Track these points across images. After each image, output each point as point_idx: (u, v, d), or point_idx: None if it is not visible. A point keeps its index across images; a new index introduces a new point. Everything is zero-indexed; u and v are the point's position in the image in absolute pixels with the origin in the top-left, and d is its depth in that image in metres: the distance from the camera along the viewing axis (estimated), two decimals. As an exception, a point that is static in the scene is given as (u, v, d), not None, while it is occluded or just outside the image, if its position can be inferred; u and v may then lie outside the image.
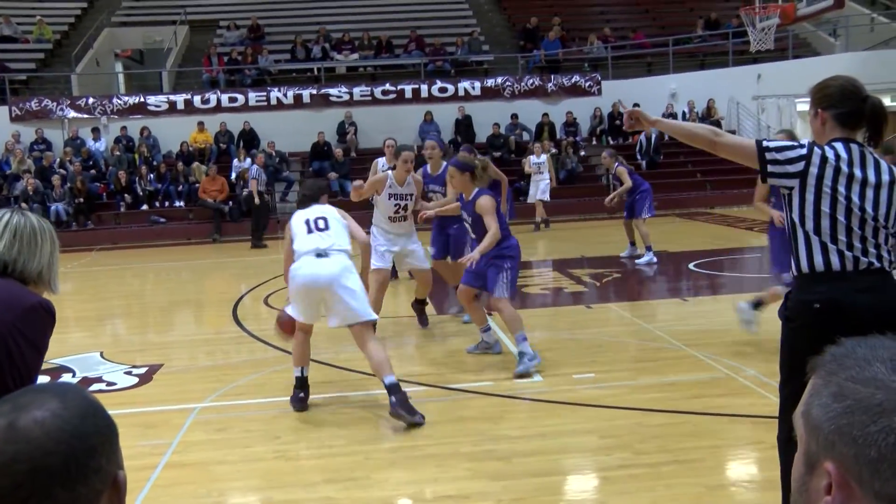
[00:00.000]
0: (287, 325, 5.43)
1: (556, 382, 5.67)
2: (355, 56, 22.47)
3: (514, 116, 20.39)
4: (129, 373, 6.57)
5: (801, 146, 2.96)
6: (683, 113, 20.99)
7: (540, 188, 16.60)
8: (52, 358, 7.17)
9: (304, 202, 5.67)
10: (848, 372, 0.89)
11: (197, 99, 20.47)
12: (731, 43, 21.25)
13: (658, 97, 21.01)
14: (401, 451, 4.55)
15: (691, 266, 10.57)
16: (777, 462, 3.13)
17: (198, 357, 6.78)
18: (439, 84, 21.03)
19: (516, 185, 17.44)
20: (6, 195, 17.90)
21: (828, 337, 2.24)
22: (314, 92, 20.68)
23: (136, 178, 18.59)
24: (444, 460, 4.36)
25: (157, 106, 20.41)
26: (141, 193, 18.45)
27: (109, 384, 6.25)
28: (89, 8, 25.27)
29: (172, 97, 20.67)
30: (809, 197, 2.91)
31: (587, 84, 21.29)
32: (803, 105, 22.49)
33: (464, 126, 20.45)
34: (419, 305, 7.89)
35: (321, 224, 5.39)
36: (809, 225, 2.92)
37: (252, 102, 20.49)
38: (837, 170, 2.90)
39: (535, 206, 16.38)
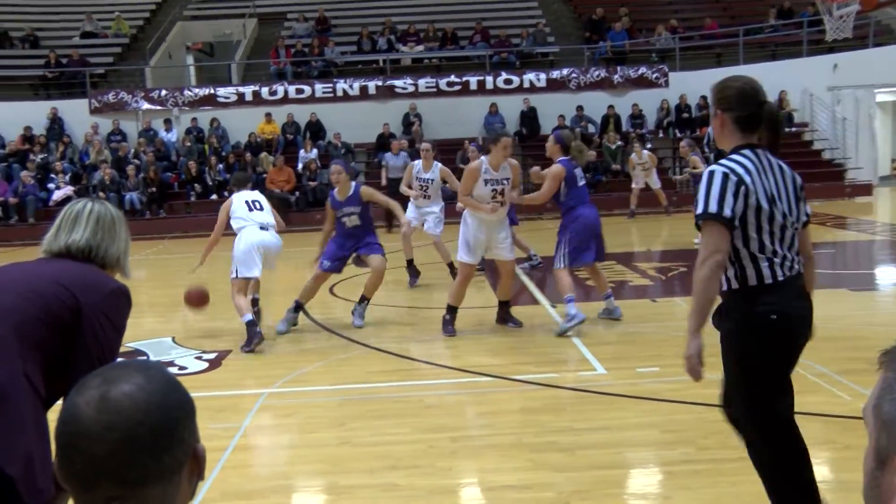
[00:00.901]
0: (193, 297, 7.03)
1: (620, 376, 5.64)
2: (421, 48, 22.56)
3: (580, 108, 20.21)
4: (199, 357, 6.76)
5: (726, 179, 2.91)
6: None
7: (653, 178, 16.51)
8: (127, 342, 7.41)
9: (239, 185, 7.78)
10: None
11: (265, 90, 20.84)
12: (805, 32, 20.63)
13: (728, 88, 20.56)
14: (464, 441, 4.59)
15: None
16: (851, 462, 3.06)
17: (265, 344, 6.93)
18: (504, 76, 20.97)
19: (597, 176, 18.21)
20: (85, 185, 18.53)
21: (781, 343, 2.38)
22: (380, 83, 20.84)
23: (206, 168, 19.03)
24: (507, 451, 4.38)
25: (226, 98, 20.84)
26: (210, 183, 18.88)
27: (181, 368, 6.44)
28: (163, 3, 25.93)
29: (241, 89, 21.08)
30: (749, 219, 2.95)
31: (654, 76, 20.98)
32: (884, 96, 21.79)
33: (529, 118, 20.37)
34: (506, 308, 7.41)
35: (258, 205, 7.41)
36: (754, 246, 2.96)
37: (318, 94, 20.76)
38: (754, 184, 2.93)
39: (632, 195, 16.57)
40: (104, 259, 2.56)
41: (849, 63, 20.00)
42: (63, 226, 2.57)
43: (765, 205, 2.93)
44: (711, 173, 2.96)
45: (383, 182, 16.75)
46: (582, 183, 7.17)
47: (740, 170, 2.93)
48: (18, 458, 2.06)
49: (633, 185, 16.63)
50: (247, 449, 4.67)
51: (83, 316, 2.34)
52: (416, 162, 9.99)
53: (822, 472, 4.17)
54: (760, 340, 2.99)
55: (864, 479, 0.93)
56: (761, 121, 3.03)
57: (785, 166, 3.08)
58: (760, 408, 3.11)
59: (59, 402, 2.34)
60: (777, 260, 2.96)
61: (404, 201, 9.52)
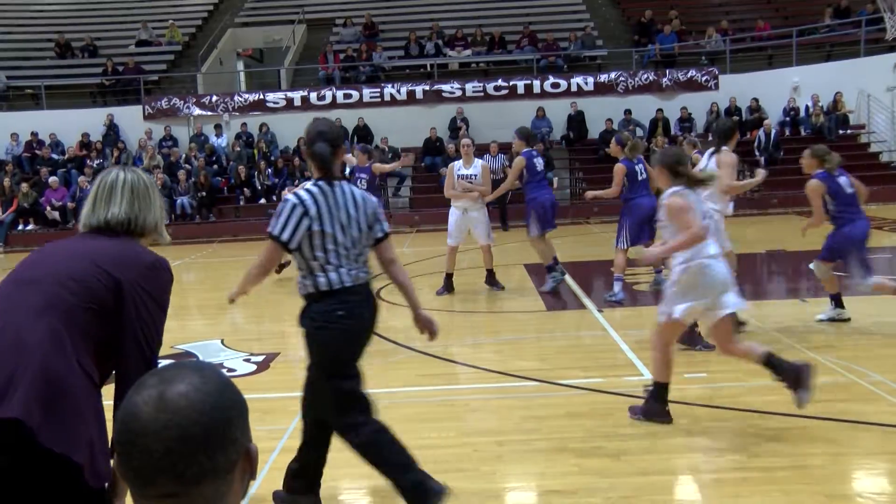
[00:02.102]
0: None
1: (667, 382, 5.54)
2: (468, 52, 22.58)
3: (628, 112, 20.02)
4: (247, 360, 6.84)
5: (294, 207, 3.51)
6: (807, 107, 20.10)
7: None
8: (176, 344, 7.55)
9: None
10: None
11: (313, 95, 21.06)
12: (863, 31, 20.12)
13: (779, 91, 20.19)
14: (509, 445, 4.57)
15: (811, 266, 10.12)
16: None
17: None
18: (552, 79, 20.88)
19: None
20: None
21: (351, 337, 3.41)
22: (427, 88, 20.91)
23: (255, 173, 19.30)
24: (552, 455, 4.35)
25: (275, 103, 21.12)
26: (259, 187, 19.14)
27: (230, 370, 6.52)
28: (215, 10, 26.39)
29: (290, 94, 21.34)
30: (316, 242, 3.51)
31: (703, 78, 20.70)
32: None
33: (576, 122, 20.26)
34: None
35: None
36: (322, 259, 3.51)
37: (366, 98, 20.91)
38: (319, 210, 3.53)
39: None
40: (143, 228, 2.56)
41: (908, 62, 19.46)
42: (99, 200, 2.56)
43: (328, 228, 3.49)
44: (285, 201, 3.57)
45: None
46: (642, 177, 8.32)
47: (308, 199, 3.49)
48: (83, 447, 2.16)
49: None
50: (293, 451, 4.69)
51: (124, 294, 2.33)
52: (457, 161, 9.73)
53: (880, 483, 4.06)
54: (332, 334, 3.54)
55: None
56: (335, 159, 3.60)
57: (358, 194, 3.63)
58: (338, 390, 3.62)
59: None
60: (343, 270, 3.52)
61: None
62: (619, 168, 8.33)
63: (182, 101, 21.19)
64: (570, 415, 5.02)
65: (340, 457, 4.81)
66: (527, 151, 9.02)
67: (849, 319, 7.10)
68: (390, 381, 5.96)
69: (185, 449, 1.10)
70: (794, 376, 4.45)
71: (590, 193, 9.06)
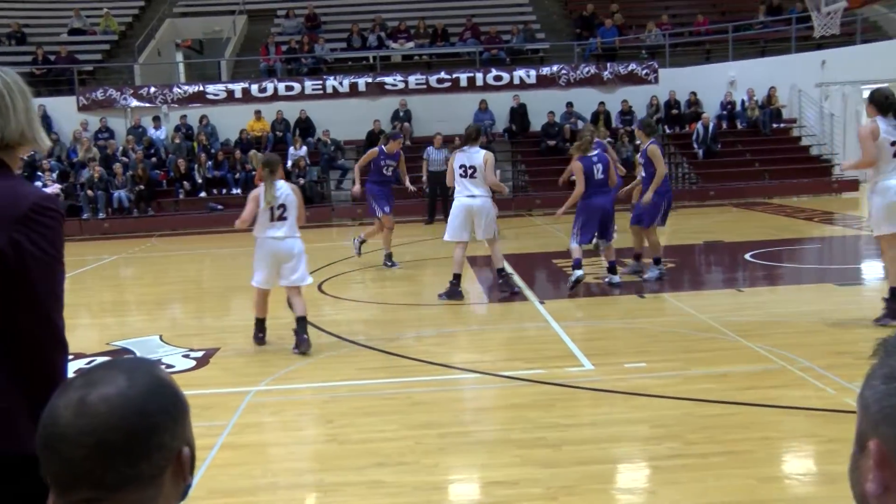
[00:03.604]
0: None
1: (607, 371, 5.65)
2: (411, 44, 22.53)
3: (570, 105, 20.23)
4: (186, 356, 6.74)
5: None
6: (743, 101, 20.57)
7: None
8: (113, 340, 7.41)
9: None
10: None
11: (254, 87, 20.78)
12: (794, 28, 20.70)
13: (717, 85, 20.62)
14: (451, 437, 4.59)
15: (747, 256, 10.40)
16: (839, 456, 3.09)
17: (253, 342, 6.92)
18: (494, 72, 20.96)
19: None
20: (73, 182, 18.46)
21: None
22: (370, 80, 20.81)
23: (195, 166, 18.97)
24: (495, 447, 4.39)
25: (215, 95, 20.77)
26: (199, 181, 18.82)
27: (168, 367, 6.42)
28: (151, 0, 25.81)
29: (230, 86, 21.01)
30: None
31: (644, 72, 21.00)
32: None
33: (519, 114, 20.38)
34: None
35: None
36: None
37: (308, 91, 20.70)
38: None
39: None
40: (4, 141, 1.99)
41: (836, 59, 20.07)
42: None
43: None
44: None
45: (424, 176, 16.54)
46: (599, 177, 8.45)
47: None
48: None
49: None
50: (234, 447, 4.66)
51: (3, 252, 1.85)
52: (458, 152, 9.06)
53: (806, 465, 4.21)
54: None
55: (849, 462, 0.97)
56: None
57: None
58: None
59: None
60: None
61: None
62: (577, 167, 8.44)
63: (119, 93, 20.69)
64: (513, 406, 5.07)
65: (338, 453, 4.78)
66: (654, 141, 9.01)
67: None
68: (332, 375, 5.95)
69: (103, 456, 1.06)
70: None
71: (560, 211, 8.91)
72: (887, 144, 6.27)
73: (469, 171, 8.36)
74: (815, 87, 20.46)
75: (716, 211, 16.73)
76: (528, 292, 8.76)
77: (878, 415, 0.89)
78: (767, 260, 10.19)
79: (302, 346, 6.43)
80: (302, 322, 6.50)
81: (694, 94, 20.51)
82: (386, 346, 6.65)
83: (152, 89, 20.78)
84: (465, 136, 8.60)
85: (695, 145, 19.59)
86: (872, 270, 9.84)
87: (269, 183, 6.44)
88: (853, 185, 19.11)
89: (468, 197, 8.40)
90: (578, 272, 8.45)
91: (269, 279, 6.60)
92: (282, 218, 6.46)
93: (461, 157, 8.45)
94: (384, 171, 10.62)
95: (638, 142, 17.08)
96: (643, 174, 9.08)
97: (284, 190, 6.51)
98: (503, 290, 8.60)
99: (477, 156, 8.34)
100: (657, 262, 9.03)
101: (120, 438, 1.07)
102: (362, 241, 10.91)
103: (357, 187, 10.73)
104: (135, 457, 1.08)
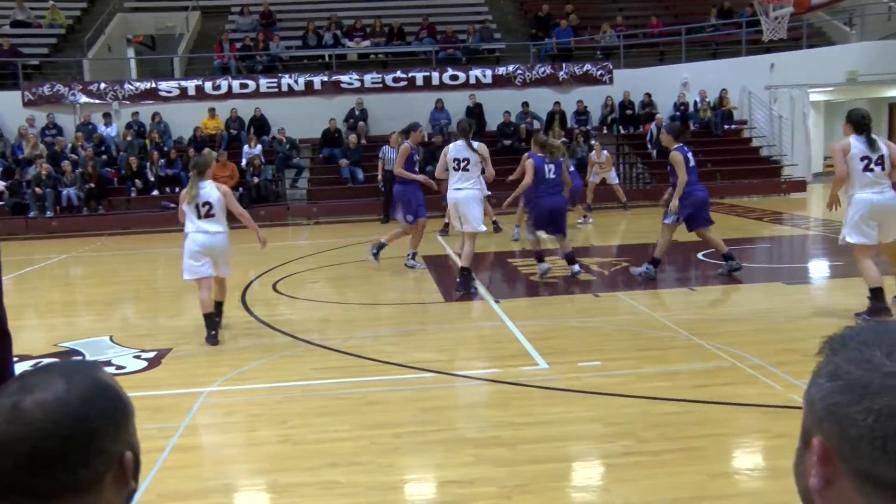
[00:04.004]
0: None
1: (562, 370, 5.69)
2: (367, 43, 22.44)
3: (525, 105, 20.34)
4: (137, 357, 6.62)
5: None
6: (695, 102, 20.89)
7: (611, 175, 16.43)
8: (61, 342, 7.24)
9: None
10: (847, 353, 0.92)
11: (208, 85, 20.51)
12: (744, 32, 21.11)
13: (670, 86, 20.92)
14: (406, 437, 4.58)
15: (700, 256, 10.56)
16: (786, 452, 3.14)
17: (206, 342, 6.83)
18: (450, 72, 20.98)
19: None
20: (19, 179, 18.02)
21: None
22: (325, 79, 20.68)
23: (147, 164, 18.66)
24: (449, 446, 4.39)
25: (168, 92, 20.45)
26: (152, 179, 18.52)
27: (118, 368, 6.30)
28: (101, -7, 25.30)
29: (184, 83, 20.70)
30: None
31: (598, 73, 21.21)
32: (816, 95, 22.39)
33: (475, 114, 20.42)
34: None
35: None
36: None
37: (263, 89, 20.50)
38: None
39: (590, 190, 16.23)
40: None
41: (784, 63, 20.53)
42: None
43: None
44: None
45: (379, 175, 16.49)
46: (551, 176, 8.83)
47: None
48: None
49: (589, 180, 16.65)
50: (185, 449, 4.59)
51: None
52: (452, 144, 9.01)
53: (755, 460, 4.28)
54: None
55: (794, 458, 0.98)
56: None
57: None
58: None
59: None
60: None
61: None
62: (528, 163, 8.87)
63: (67, 88, 20.24)
64: (468, 405, 5.08)
65: (292, 454, 4.73)
66: (679, 147, 8.82)
67: None
68: (287, 375, 5.89)
69: (36, 464, 1.02)
70: None
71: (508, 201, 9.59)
72: (857, 160, 6.60)
73: (462, 164, 8.65)
74: (765, 90, 20.89)
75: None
76: (483, 291, 8.78)
77: (822, 412, 0.91)
78: (720, 259, 10.36)
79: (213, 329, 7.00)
80: (219, 307, 7.28)
81: (648, 94, 20.78)
82: (341, 346, 6.61)
83: (102, 85, 20.38)
84: (459, 129, 8.93)
85: (648, 145, 19.84)
86: (820, 269, 10.07)
87: (193, 183, 7.00)
88: (801, 185, 19.55)
89: (455, 189, 8.72)
90: (543, 265, 9.08)
91: (196, 270, 7.02)
92: (209, 215, 6.97)
93: (454, 150, 8.73)
94: (415, 167, 10.41)
95: (594, 141, 17.25)
96: (672, 179, 8.95)
97: (208, 189, 6.99)
98: (458, 290, 8.61)
99: (470, 148, 8.69)
100: (654, 262, 9.02)
101: (56, 446, 1.03)
102: (381, 246, 10.53)
103: (437, 186, 10.65)
104: (72, 463, 1.04)
